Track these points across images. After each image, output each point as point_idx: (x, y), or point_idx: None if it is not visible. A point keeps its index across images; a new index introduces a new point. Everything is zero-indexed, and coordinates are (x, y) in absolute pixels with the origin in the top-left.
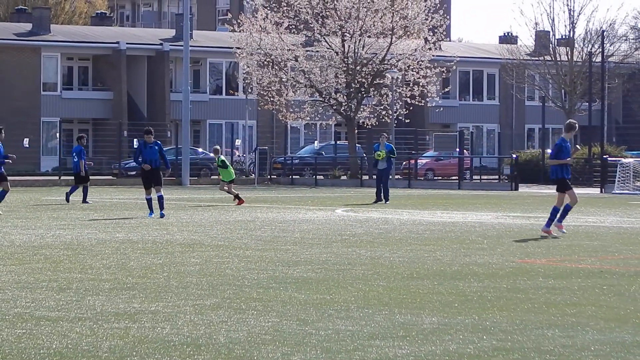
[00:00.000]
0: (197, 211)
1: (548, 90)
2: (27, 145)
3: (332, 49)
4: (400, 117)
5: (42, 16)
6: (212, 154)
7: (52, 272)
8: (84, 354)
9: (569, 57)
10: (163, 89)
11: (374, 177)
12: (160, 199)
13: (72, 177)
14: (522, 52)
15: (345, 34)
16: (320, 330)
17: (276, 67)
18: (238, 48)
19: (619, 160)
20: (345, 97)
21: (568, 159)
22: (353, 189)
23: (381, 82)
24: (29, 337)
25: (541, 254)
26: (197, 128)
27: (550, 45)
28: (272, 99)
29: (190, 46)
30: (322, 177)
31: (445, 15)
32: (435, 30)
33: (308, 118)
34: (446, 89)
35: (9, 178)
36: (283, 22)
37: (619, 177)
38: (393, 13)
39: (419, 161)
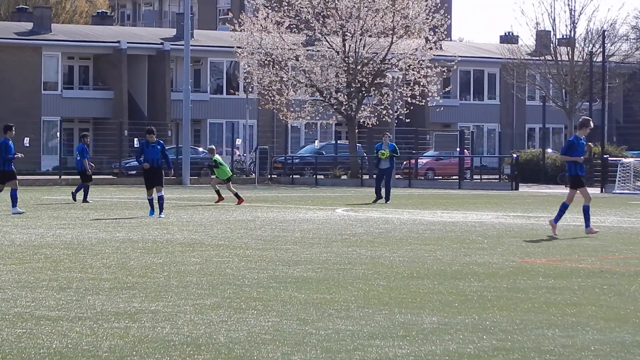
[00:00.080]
0: (197, 210)
1: (549, 90)
2: (28, 145)
3: (333, 49)
4: (400, 117)
5: (43, 15)
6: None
7: (52, 272)
8: (84, 354)
9: (570, 56)
10: (164, 89)
11: (374, 176)
12: (161, 199)
13: (72, 177)
14: (522, 52)
15: (346, 33)
16: (321, 329)
17: (277, 67)
18: (239, 47)
19: (620, 160)
20: (345, 96)
21: (580, 157)
22: (353, 189)
23: (382, 81)
24: (29, 337)
25: (541, 253)
26: (198, 127)
27: (551, 45)
28: (272, 98)
29: (191, 45)
30: (322, 176)
31: (446, 14)
32: (436, 30)
33: (308, 117)
34: (447, 89)
35: None
36: (284, 22)
37: (620, 177)
38: (394, 12)
39: (419, 161)
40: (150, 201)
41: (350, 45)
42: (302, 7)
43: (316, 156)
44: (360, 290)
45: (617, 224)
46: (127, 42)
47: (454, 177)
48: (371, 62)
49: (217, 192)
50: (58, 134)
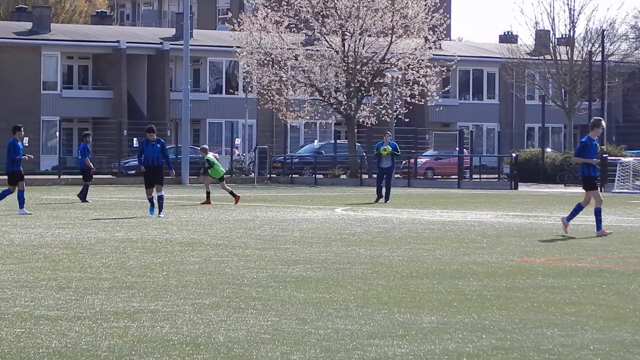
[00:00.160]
0: (196, 210)
1: (548, 90)
2: (27, 144)
3: (332, 48)
4: (400, 116)
5: (42, 15)
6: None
7: (51, 271)
8: (83, 353)
9: (569, 56)
10: (163, 88)
11: (374, 175)
12: (160, 199)
13: (71, 177)
14: (522, 52)
15: (346, 33)
16: (320, 329)
17: (276, 66)
18: (238, 47)
19: (619, 160)
20: (345, 96)
21: (594, 159)
22: (353, 188)
23: (381, 81)
24: (28, 336)
25: (540, 252)
26: (197, 127)
27: (551, 44)
28: (272, 98)
29: (191, 45)
30: (321, 176)
31: (445, 14)
32: (435, 30)
33: (308, 117)
34: (446, 88)
35: (5, 177)
36: (283, 21)
37: (619, 176)
38: (393, 12)
39: (418, 160)
40: (150, 200)
41: (349, 45)
42: (302, 7)
43: (315, 156)
44: (360, 289)
45: (616, 223)
46: (127, 42)
47: (454, 177)
48: (370, 62)
49: (208, 194)
50: (57, 133)
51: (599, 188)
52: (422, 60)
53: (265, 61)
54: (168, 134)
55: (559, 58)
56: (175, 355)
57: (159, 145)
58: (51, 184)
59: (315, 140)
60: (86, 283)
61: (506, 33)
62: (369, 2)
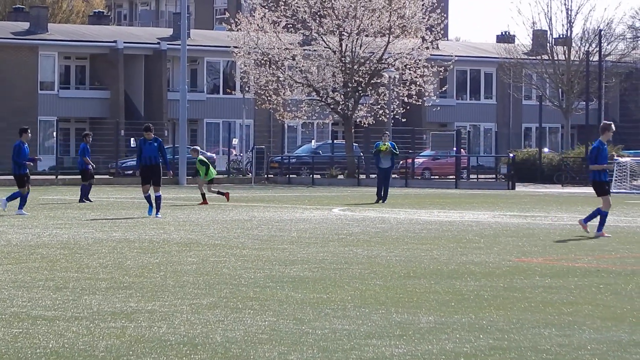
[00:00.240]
0: (193, 210)
1: (545, 90)
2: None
3: (330, 48)
4: (397, 116)
5: (40, 15)
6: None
7: (48, 272)
8: (81, 354)
9: (567, 56)
10: (160, 88)
11: (372, 176)
12: (158, 199)
13: (68, 177)
14: (519, 51)
15: (343, 33)
16: (317, 329)
17: (273, 66)
18: (235, 47)
19: (616, 160)
20: (342, 96)
21: (605, 164)
22: (350, 188)
23: (378, 81)
24: (25, 337)
25: (538, 252)
26: (195, 127)
27: (548, 44)
28: (269, 98)
29: (188, 45)
30: (319, 176)
31: (442, 14)
32: (433, 30)
33: (305, 117)
34: (443, 88)
35: (4, 177)
36: (280, 21)
37: (616, 177)
38: (390, 12)
39: (416, 160)
40: (147, 198)
41: (346, 45)
42: (299, 7)
43: (313, 156)
44: (357, 289)
45: (613, 223)
46: (124, 42)
47: (451, 177)
48: (368, 62)
49: (203, 195)
50: (55, 133)
51: (609, 193)
52: (420, 60)
53: (262, 61)
54: (165, 134)
55: (556, 58)
56: (173, 356)
57: (156, 144)
58: (48, 184)
59: (313, 141)
60: (83, 283)
61: (503, 33)
62: (366, 2)
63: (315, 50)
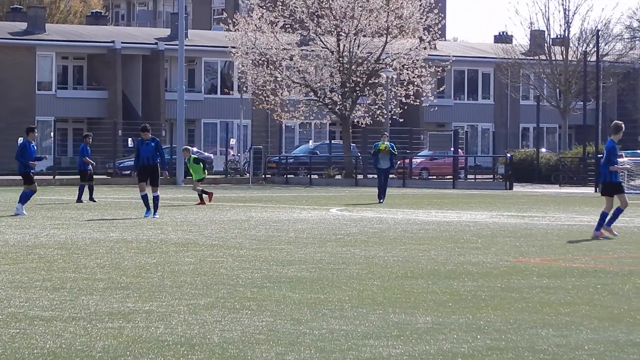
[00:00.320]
0: (191, 210)
1: (543, 90)
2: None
3: (327, 48)
4: (394, 117)
5: (37, 15)
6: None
7: (46, 272)
8: (78, 354)
9: (564, 56)
10: (158, 88)
11: (369, 176)
12: (156, 199)
13: (66, 177)
14: (517, 52)
15: (341, 33)
16: (314, 329)
17: (271, 67)
18: (233, 47)
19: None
20: (340, 96)
21: (616, 165)
22: (348, 189)
23: (376, 81)
24: (23, 337)
25: (535, 253)
26: (192, 127)
27: (545, 44)
28: (267, 98)
29: (186, 45)
30: (316, 176)
31: (440, 14)
32: (430, 30)
33: (303, 117)
34: (441, 88)
35: (3, 177)
36: (278, 22)
37: None
38: (388, 12)
39: (413, 160)
40: (144, 197)
41: (344, 45)
42: (297, 7)
43: (310, 156)
44: (354, 290)
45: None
46: (122, 42)
47: (448, 177)
48: (365, 62)
49: (200, 195)
50: (52, 134)
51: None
52: (417, 60)
53: (260, 61)
54: (163, 134)
55: (553, 58)
56: (170, 356)
57: (153, 144)
58: (46, 185)
59: (310, 141)
60: (81, 284)
61: (501, 33)
62: (364, 2)
63: (313, 51)
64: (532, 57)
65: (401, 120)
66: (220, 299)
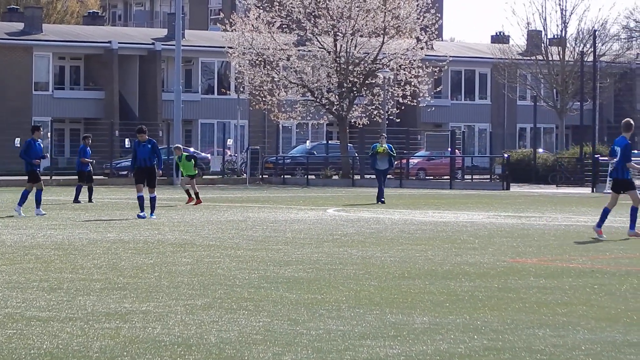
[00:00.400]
0: (188, 211)
1: (540, 90)
2: (19, 145)
3: (324, 49)
4: (392, 117)
5: (34, 15)
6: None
7: (43, 272)
8: (75, 354)
9: (561, 56)
10: (155, 89)
11: (366, 176)
12: (153, 200)
13: (63, 177)
14: (514, 52)
15: (338, 33)
16: (312, 330)
17: (268, 67)
18: (230, 47)
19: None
20: (337, 96)
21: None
22: (345, 189)
23: (373, 81)
24: (20, 337)
25: (532, 253)
26: (189, 128)
27: (542, 44)
28: (264, 98)
29: (182, 46)
30: (313, 176)
31: (437, 14)
32: (427, 30)
33: (300, 118)
34: (438, 89)
35: (1, 177)
36: (275, 22)
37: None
38: (385, 13)
39: (410, 161)
40: (140, 198)
41: (341, 45)
42: (294, 7)
43: (307, 156)
44: (352, 290)
45: (607, 223)
46: (118, 42)
47: (445, 177)
48: (362, 62)
49: (196, 194)
50: (49, 134)
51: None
52: (414, 60)
53: (257, 62)
54: (160, 134)
55: (550, 58)
56: (167, 356)
57: (149, 146)
58: (43, 185)
59: (307, 141)
60: (78, 284)
61: (498, 33)
62: (360, 2)
63: (309, 51)
64: (529, 58)
65: (398, 120)
66: (217, 300)
